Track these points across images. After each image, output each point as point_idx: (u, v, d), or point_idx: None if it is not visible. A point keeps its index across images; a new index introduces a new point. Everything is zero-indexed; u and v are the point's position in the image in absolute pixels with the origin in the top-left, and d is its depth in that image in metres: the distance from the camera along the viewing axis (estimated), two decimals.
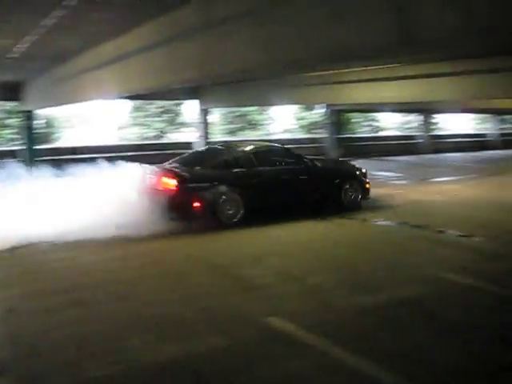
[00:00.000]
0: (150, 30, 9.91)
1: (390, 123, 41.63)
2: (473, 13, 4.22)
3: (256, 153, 11.93)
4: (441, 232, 10.40)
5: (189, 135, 29.72)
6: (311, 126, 36.30)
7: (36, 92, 19.20)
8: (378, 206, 13.08)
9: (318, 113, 33.28)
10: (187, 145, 25.76)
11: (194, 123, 27.30)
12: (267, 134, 35.49)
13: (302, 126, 37.49)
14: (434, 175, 19.46)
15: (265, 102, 25.05)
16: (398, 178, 18.71)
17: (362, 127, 39.37)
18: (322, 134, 30.68)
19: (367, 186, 12.86)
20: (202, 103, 25.72)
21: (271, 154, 12.44)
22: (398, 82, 14.97)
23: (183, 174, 10.85)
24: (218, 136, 31.44)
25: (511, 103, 22.08)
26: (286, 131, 36.96)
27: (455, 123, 43.35)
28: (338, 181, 12.41)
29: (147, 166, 11.83)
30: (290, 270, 8.05)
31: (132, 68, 11.02)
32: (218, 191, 10.67)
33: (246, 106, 30.73)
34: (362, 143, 31.97)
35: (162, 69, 9.86)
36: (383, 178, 18.30)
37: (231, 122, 35.80)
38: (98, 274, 7.97)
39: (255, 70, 7.57)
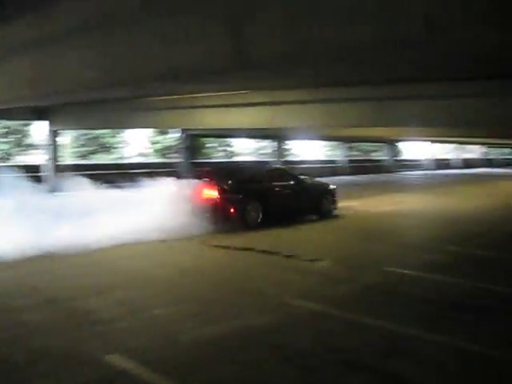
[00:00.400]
0: None
1: (245, 149, 42.38)
2: (307, 39, 4.16)
3: (270, 171, 16.41)
4: (288, 257, 10.47)
5: (37, 157, 28.13)
6: (166, 151, 35.99)
7: None
8: (227, 230, 13.26)
9: (173, 137, 33.06)
10: (34, 168, 24.35)
11: (43, 145, 25.90)
12: (120, 158, 34.62)
13: (157, 150, 37.07)
14: None
15: (117, 125, 24.42)
16: None
17: (217, 152, 39.70)
18: (176, 158, 30.40)
19: (336, 199, 16.36)
20: (51, 124, 24.51)
21: (279, 172, 16.41)
22: (249, 109, 15.13)
23: (223, 186, 13.70)
24: (68, 159, 30.11)
25: (358, 131, 23.28)
26: (140, 155, 36.29)
27: (307, 149, 45.05)
28: (319, 195, 16.01)
29: (184, 180, 15.02)
30: (135, 301, 7.66)
31: None
32: (246, 200, 13.74)
33: (97, 128, 29.78)
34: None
35: None
36: None
37: (83, 145, 34.51)
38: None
39: (89, 88, 7.13)
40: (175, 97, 14.71)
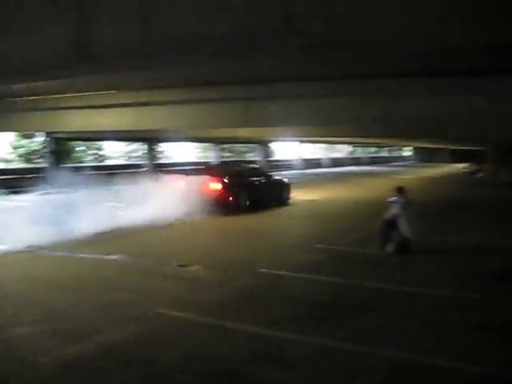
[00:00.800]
0: None
1: (116, 152, 41.20)
2: (161, 30, 3.82)
3: (251, 169, 21.71)
4: (158, 262, 10.10)
5: None
6: (31, 156, 34.06)
7: None
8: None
9: (38, 141, 31.35)
10: None
11: None
12: None
13: (20, 155, 34.98)
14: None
15: None
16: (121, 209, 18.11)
17: (88, 156, 38.20)
18: (42, 163, 28.84)
19: (290, 191, 21.13)
20: None
21: (256, 170, 21.83)
22: (115, 110, 14.49)
23: (223, 181, 17.59)
24: None
25: (227, 132, 23.20)
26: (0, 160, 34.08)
27: (180, 152, 44.63)
28: (280, 187, 20.68)
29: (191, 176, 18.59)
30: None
31: None
32: (239, 191, 17.85)
33: None
34: (86, 173, 30.75)
35: None
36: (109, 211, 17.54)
37: None
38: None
39: None
40: (37, 97, 13.84)
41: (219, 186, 17.46)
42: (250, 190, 18.47)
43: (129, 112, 14.41)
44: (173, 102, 13.24)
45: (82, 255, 10.87)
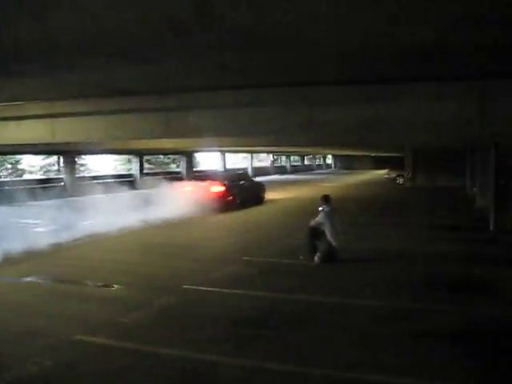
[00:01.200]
0: None
1: (33, 166, 39.64)
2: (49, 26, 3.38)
3: (240, 174, 27.94)
4: (77, 283, 9.51)
5: None
6: None
7: None
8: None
9: None
10: None
11: None
12: None
13: None
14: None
15: None
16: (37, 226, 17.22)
17: (4, 170, 36.43)
18: None
19: (265, 192, 26.33)
20: None
21: (243, 175, 27.73)
22: (27, 122, 13.69)
23: (225, 183, 22.25)
24: None
25: (147, 143, 22.63)
26: None
27: (101, 164, 43.47)
28: (260, 188, 25.93)
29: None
30: None
31: None
32: (236, 193, 22.27)
33: None
34: (2, 188, 29.33)
35: None
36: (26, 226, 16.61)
37: None
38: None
39: None
40: None
41: (222, 189, 21.84)
42: (241, 191, 23.08)
43: (42, 124, 13.65)
44: (88, 113, 12.62)
45: None
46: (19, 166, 38.52)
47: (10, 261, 11.34)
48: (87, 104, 12.38)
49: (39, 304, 8.42)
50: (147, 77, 7.88)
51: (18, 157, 36.59)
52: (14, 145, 21.12)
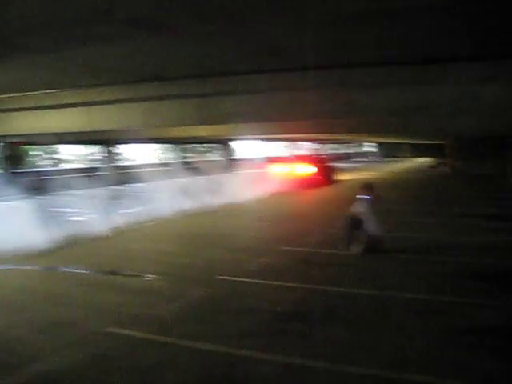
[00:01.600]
0: None
1: (72, 155, 39.93)
2: None
3: (322, 158, 33.85)
4: (112, 273, 9.38)
5: None
6: None
7: None
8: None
9: None
10: None
11: None
12: None
13: None
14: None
15: None
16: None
17: (43, 160, 36.77)
18: None
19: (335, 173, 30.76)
20: None
21: (324, 158, 33.23)
22: (64, 111, 13.65)
23: (317, 165, 27.76)
24: None
25: (186, 131, 22.42)
26: None
27: (140, 153, 43.63)
28: (333, 170, 30.57)
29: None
30: None
31: None
32: (324, 173, 27.91)
33: None
34: (42, 178, 29.60)
35: None
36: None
37: None
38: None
39: None
40: None
41: (315, 170, 27.15)
42: (325, 171, 28.26)
43: (79, 112, 13.59)
44: (123, 101, 12.50)
45: (29, 267, 10.06)
46: (57, 156, 38.80)
47: (48, 250, 11.30)
48: (123, 91, 12.26)
49: (74, 294, 8.29)
50: (183, 61, 7.65)
51: (55, 147, 36.83)
52: (53, 134, 21.27)
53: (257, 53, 8.02)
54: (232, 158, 43.75)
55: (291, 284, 8.43)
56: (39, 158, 36.78)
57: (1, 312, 7.51)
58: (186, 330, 6.53)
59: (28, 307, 7.62)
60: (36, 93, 12.23)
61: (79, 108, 13.28)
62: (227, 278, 8.87)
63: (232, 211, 17.84)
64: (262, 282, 8.62)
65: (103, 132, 20.45)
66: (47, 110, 14.06)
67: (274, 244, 11.69)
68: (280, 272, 9.27)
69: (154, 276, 9.19)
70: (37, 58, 7.10)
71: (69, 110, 13.53)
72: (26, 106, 13.95)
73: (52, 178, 29.79)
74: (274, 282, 8.55)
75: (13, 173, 26.18)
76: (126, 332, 6.47)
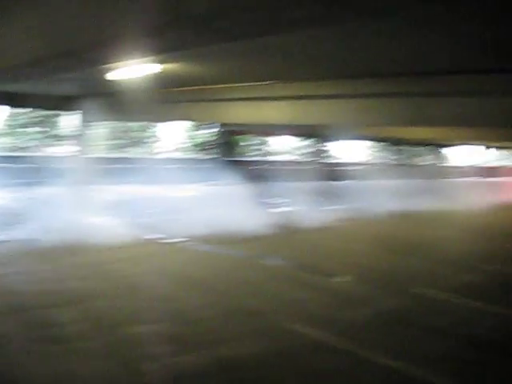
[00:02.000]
0: None
1: (281, 148, 40.90)
2: None
3: None
4: (305, 269, 9.20)
5: (65, 149, 27.28)
6: (199, 147, 34.69)
7: None
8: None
9: (207, 133, 31.95)
10: (60, 159, 23.60)
11: (73, 136, 25.06)
12: (151, 152, 33.76)
13: (189, 146, 35.86)
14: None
15: (150, 117, 23.34)
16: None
17: (252, 151, 38.11)
18: (209, 155, 29.30)
19: None
20: (84, 116, 23.59)
21: None
22: (281, 103, 13.87)
23: None
24: (97, 152, 29.20)
25: (405, 132, 21.48)
26: (171, 150, 35.24)
27: (352, 151, 43.40)
28: None
29: None
30: None
31: None
32: None
33: (129, 121, 28.90)
34: (252, 167, 30.71)
35: None
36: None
37: (114, 138, 33.66)
38: None
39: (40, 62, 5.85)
40: (204, 87, 13.67)
41: None
42: None
43: (296, 105, 13.69)
44: (331, 96, 12.29)
45: (227, 252, 10.31)
46: (266, 148, 39.97)
47: (250, 237, 11.49)
48: (332, 86, 12.06)
49: (266, 285, 8.25)
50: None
51: (264, 138, 37.94)
52: (267, 125, 21.88)
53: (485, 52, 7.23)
54: (444, 163, 41.69)
55: (494, 307, 7.51)
56: (249, 148, 38.23)
57: (189, 293, 7.68)
58: (369, 339, 6.10)
59: (217, 291, 7.72)
60: (251, 84, 12.53)
61: (296, 101, 13.37)
62: (423, 291, 8.22)
63: (445, 219, 16.79)
64: (459, 300, 7.81)
65: (315, 126, 20.56)
66: (260, 102, 14.41)
67: (478, 262, 10.66)
68: (482, 292, 8.36)
69: (346, 278, 8.87)
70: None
71: (281, 102, 13.71)
72: (243, 96, 14.44)
73: (261, 168, 30.83)
74: (475, 303, 7.70)
75: (226, 160, 27.45)
76: (310, 331, 6.22)
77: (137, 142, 35.12)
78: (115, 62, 5.87)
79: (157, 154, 33.66)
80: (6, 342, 5.55)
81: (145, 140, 35.51)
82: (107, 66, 7.52)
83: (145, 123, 32.56)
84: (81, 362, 5.14)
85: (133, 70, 11.45)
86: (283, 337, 6.04)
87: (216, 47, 5.35)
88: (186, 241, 11.03)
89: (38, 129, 31.78)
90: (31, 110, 29.61)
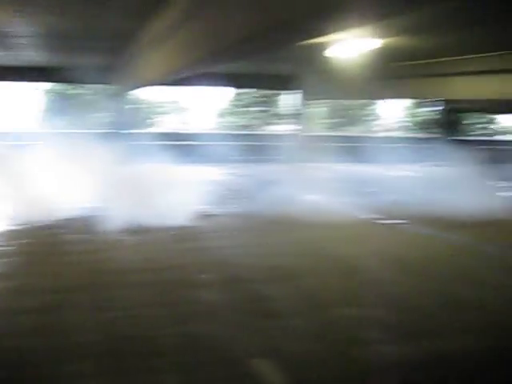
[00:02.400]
0: None
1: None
2: None
3: None
4: None
5: (285, 127, 28.06)
6: (425, 125, 33.14)
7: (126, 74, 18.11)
8: None
9: (427, 111, 30.56)
10: (281, 137, 24.34)
11: (293, 115, 25.67)
12: (369, 131, 33.24)
13: (416, 124, 34.51)
14: None
15: (370, 95, 22.99)
16: None
17: (476, 130, 35.38)
18: (430, 134, 27.99)
19: None
20: (304, 95, 24.01)
21: None
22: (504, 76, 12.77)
23: None
24: (316, 130, 29.51)
25: None
26: (389, 129, 34.36)
27: None
28: None
29: None
30: None
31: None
32: None
33: (349, 99, 28.71)
34: (478, 147, 28.67)
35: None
36: None
37: (332, 116, 33.75)
38: None
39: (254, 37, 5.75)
40: (429, 61, 13.23)
41: None
42: None
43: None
44: None
45: (455, 237, 9.61)
46: (493, 126, 37.02)
47: (472, 223, 10.59)
48: None
49: (486, 277, 7.46)
50: None
51: (491, 116, 35.21)
52: (493, 102, 20.26)
53: None
54: None
55: None
56: (475, 127, 35.74)
57: (407, 279, 7.24)
58: None
59: (439, 280, 7.19)
60: (469, 57, 11.75)
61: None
62: None
63: None
64: None
65: None
66: (493, 76, 13.36)
67: None
68: None
69: None
70: None
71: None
72: (463, 70, 13.63)
73: (489, 149, 28.58)
74: None
75: (449, 139, 26.02)
76: None
77: (356, 121, 34.95)
78: (335, 32, 5.61)
79: (376, 132, 33.17)
80: (222, 312, 5.68)
81: (364, 118, 35.18)
82: (325, 39, 7.38)
83: (364, 101, 32.25)
84: (290, 340, 5.05)
85: (353, 46, 11.24)
86: None
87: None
88: (406, 223, 10.54)
89: (260, 108, 33.22)
90: (255, 90, 31.10)
